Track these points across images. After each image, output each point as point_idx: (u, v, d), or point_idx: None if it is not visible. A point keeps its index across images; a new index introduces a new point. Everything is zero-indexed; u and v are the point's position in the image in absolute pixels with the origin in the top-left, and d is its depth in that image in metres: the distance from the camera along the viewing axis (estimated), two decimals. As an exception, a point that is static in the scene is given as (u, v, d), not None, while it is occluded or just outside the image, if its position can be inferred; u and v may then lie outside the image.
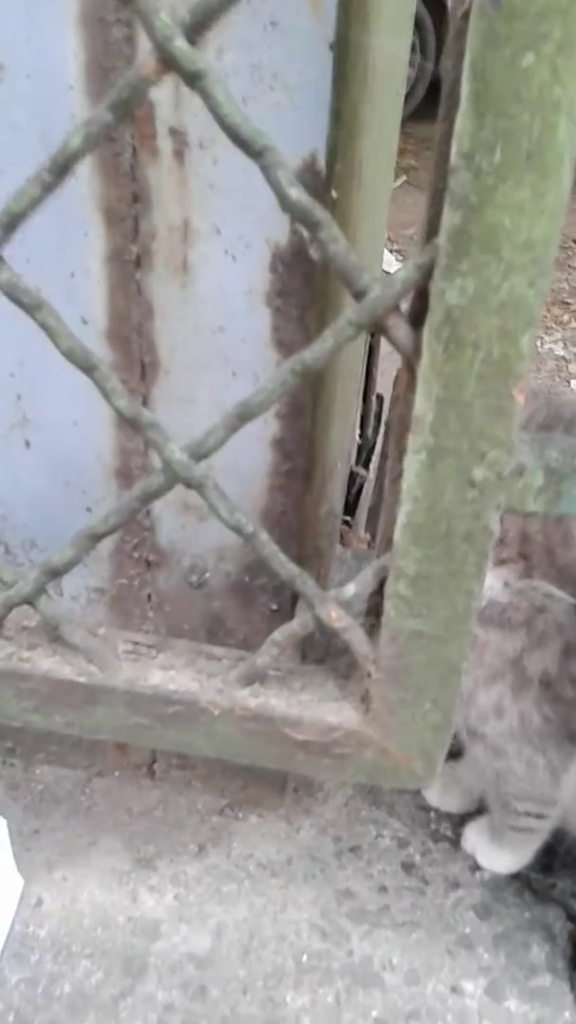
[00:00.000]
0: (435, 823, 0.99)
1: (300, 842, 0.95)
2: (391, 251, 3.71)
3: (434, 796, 1.00)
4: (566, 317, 3.58)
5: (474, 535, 0.62)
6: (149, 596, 0.88)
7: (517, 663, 0.82)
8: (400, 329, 0.57)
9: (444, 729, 0.70)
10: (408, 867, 0.93)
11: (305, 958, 0.84)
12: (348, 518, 1.48)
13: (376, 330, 0.56)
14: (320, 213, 0.52)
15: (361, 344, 0.89)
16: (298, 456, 0.78)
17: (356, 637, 0.67)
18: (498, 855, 0.93)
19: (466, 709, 0.86)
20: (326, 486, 0.87)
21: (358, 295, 0.54)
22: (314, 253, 0.56)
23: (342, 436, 0.93)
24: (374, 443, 1.63)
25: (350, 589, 0.66)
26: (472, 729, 0.86)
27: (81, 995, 0.79)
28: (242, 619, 0.88)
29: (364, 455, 1.63)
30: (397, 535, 0.62)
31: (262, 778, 0.97)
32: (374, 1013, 0.80)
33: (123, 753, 0.98)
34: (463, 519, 0.61)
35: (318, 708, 0.70)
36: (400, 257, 3.85)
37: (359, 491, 1.55)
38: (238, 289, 0.70)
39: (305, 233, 0.53)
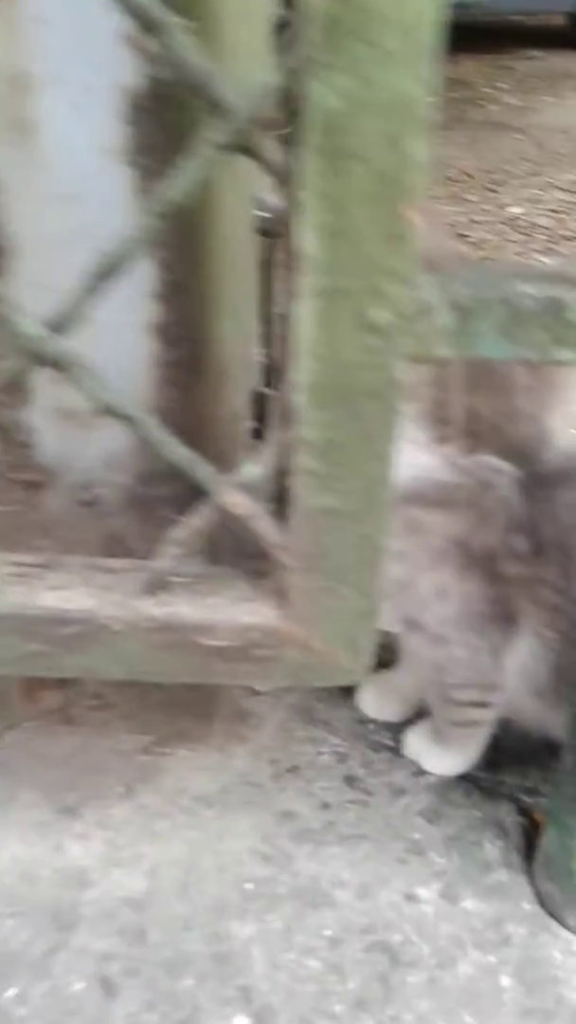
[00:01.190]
0: (375, 734, 0.94)
1: (235, 770, 0.89)
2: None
3: (371, 707, 0.96)
4: (465, 249, 3.54)
5: (381, 390, 0.55)
6: (38, 522, 0.80)
7: (462, 543, 0.77)
8: (270, 147, 0.49)
9: (370, 615, 0.64)
10: (350, 780, 0.89)
11: (249, 886, 0.78)
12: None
13: (243, 151, 0.49)
14: (159, 11, 0.44)
15: (249, 227, 0.81)
16: (184, 344, 0.70)
17: (264, 524, 0.60)
18: (443, 756, 0.89)
19: (404, 599, 0.80)
20: (222, 384, 0.79)
21: (216, 110, 0.47)
22: (163, 71, 0.48)
23: (237, 333, 0.85)
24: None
25: (252, 470, 0.59)
26: (411, 619, 0.82)
27: (8, 955, 0.72)
28: (144, 536, 0.81)
29: (270, 377, 1.56)
30: (297, 399, 0.55)
31: (188, 709, 0.91)
32: (327, 932, 0.75)
33: (32, 700, 0.90)
34: (367, 372, 0.54)
35: (231, 610, 0.63)
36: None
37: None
38: (87, 146, 0.61)
39: (153, 48, 0.45)
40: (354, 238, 0.49)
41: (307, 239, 0.48)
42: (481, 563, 0.78)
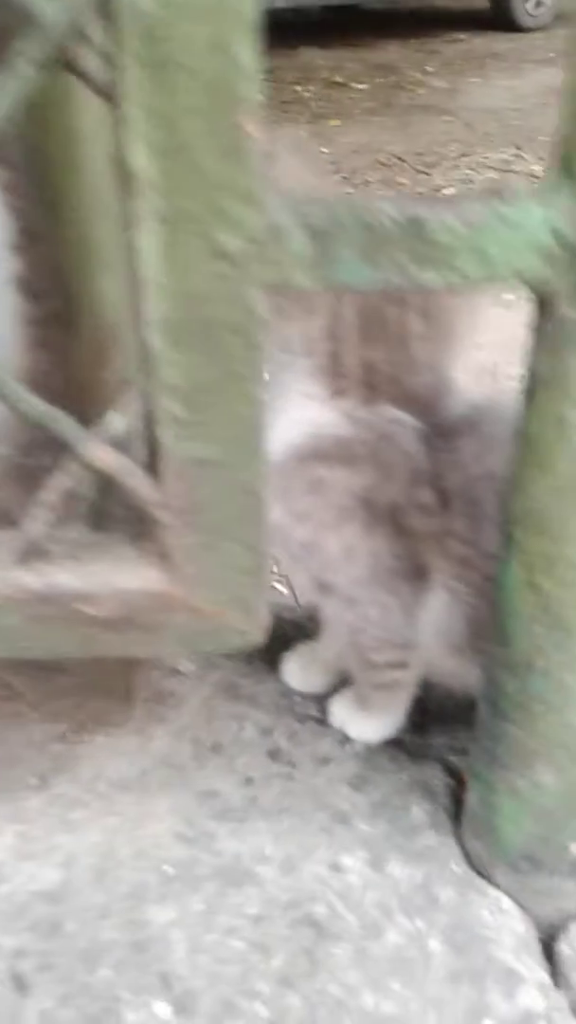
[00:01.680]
0: (300, 707, 0.91)
1: (154, 752, 0.85)
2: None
3: (296, 678, 0.93)
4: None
5: (240, 324, 0.52)
6: None
7: (366, 499, 0.75)
8: (90, 60, 0.46)
9: (258, 571, 0.61)
10: (274, 754, 0.86)
11: (169, 869, 0.75)
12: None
13: (63, 66, 0.45)
14: None
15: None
16: (52, 298, 0.67)
17: (136, 479, 0.57)
18: (367, 722, 0.87)
19: (312, 561, 0.78)
20: (105, 347, 0.76)
21: (30, 23, 0.43)
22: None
23: (118, 294, 0.82)
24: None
25: (116, 421, 0.55)
26: (321, 581, 0.79)
27: None
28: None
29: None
30: (152, 339, 0.52)
31: (102, 692, 0.87)
32: (250, 911, 0.72)
33: None
34: (222, 304, 0.51)
35: (113, 576, 0.60)
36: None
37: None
38: None
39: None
40: (189, 155, 0.45)
41: (138, 158, 0.45)
42: (387, 519, 0.76)
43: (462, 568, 0.76)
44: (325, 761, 0.85)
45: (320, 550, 0.77)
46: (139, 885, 0.74)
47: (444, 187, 3.95)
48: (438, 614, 0.78)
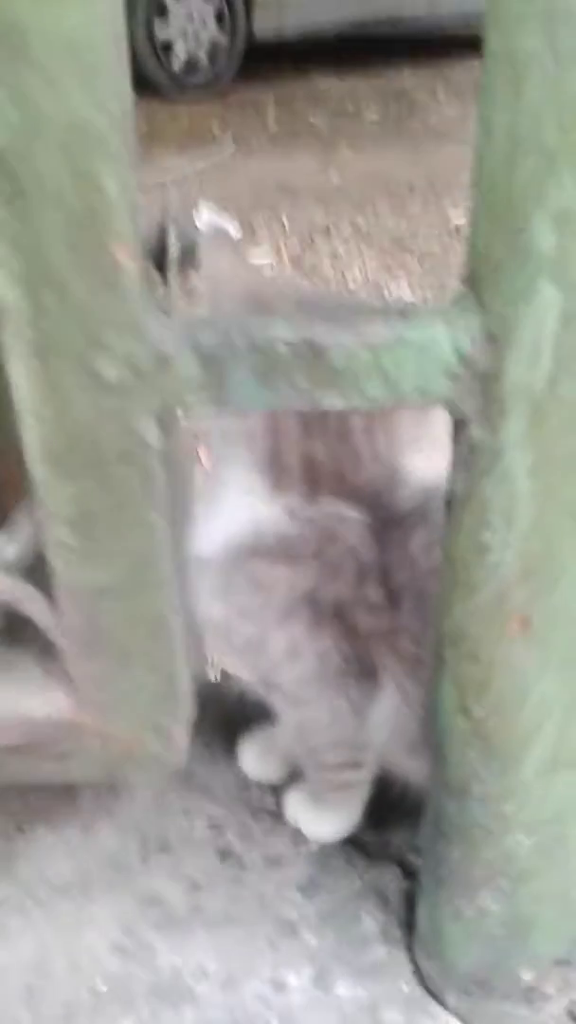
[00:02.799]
0: (256, 798, 0.87)
1: (99, 850, 0.82)
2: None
3: (251, 767, 0.89)
4: (411, 262, 3.51)
5: (130, 452, 0.49)
6: None
7: (311, 597, 0.71)
8: None
9: (172, 696, 0.57)
10: (224, 855, 0.82)
11: (102, 986, 0.71)
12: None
13: None
14: None
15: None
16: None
17: (31, 604, 0.54)
18: (321, 820, 0.83)
19: (256, 659, 0.74)
20: (13, 473, 0.72)
21: None
22: None
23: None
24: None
25: (7, 547, 0.53)
26: (266, 679, 0.76)
27: None
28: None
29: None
30: (35, 469, 0.49)
31: (46, 786, 0.84)
32: (185, 1035, 0.68)
33: None
34: (107, 434, 0.48)
35: (19, 701, 0.57)
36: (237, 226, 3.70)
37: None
38: None
39: None
40: (59, 286, 0.43)
41: (5, 290, 0.42)
42: (333, 617, 0.72)
43: (413, 666, 0.72)
44: (276, 863, 0.81)
45: (265, 649, 0.73)
46: (70, 1003, 0.70)
47: (454, 217, 3.92)
48: (390, 713, 0.74)
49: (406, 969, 0.72)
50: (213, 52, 5.14)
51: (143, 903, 0.78)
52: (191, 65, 5.11)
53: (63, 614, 0.52)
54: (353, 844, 0.82)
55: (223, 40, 5.13)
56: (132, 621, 0.52)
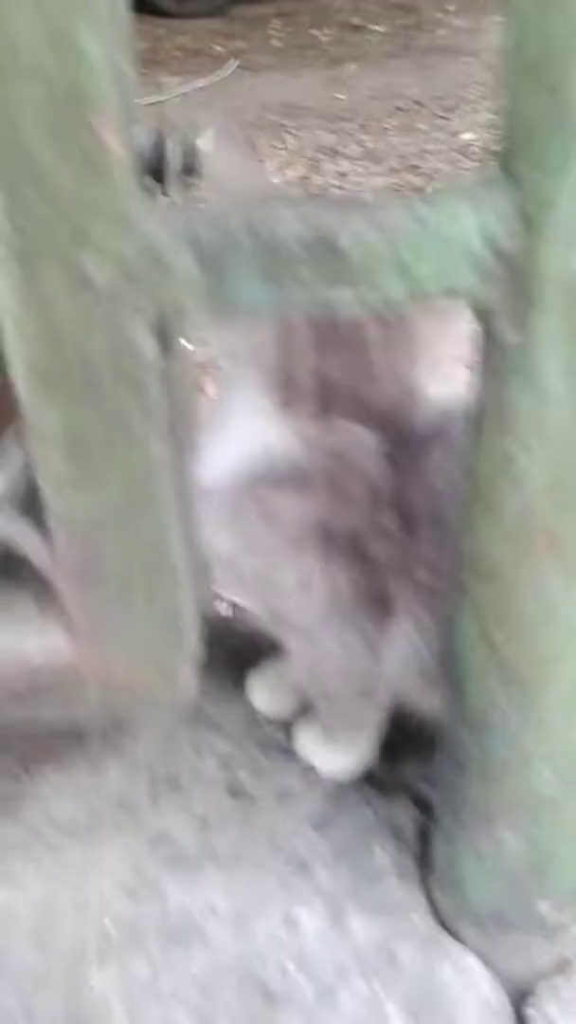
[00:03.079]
0: (267, 733, 0.85)
1: (107, 790, 0.80)
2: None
3: (262, 702, 0.86)
4: (418, 181, 3.39)
5: (125, 368, 0.44)
6: None
7: (323, 526, 0.67)
8: None
9: (177, 632, 0.53)
10: (235, 791, 0.80)
11: (111, 927, 0.70)
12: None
13: None
14: None
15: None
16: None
17: (23, 539, 0.50)
18: (334, 755, 0.80)
19: (265, 592, 0.71)
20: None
21: None
22: None
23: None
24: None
25: (-7, 476, 0.49)
26: (276, 614, 0.72)
27: None
28: None
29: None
30: (20, 387, 0.44)
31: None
32: (197, 975, 0.67)
33: None
34: (100, 346, 0.43)
35: (17, 643, 0.54)
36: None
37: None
38: None
39: None
40: (38, 174, 0.38)
41: (-28, 180, 0.37)
42: (346, 546, 0.68)
43: (429, 596, 0.68)
44: (288, 799, 0.79)
45: (275, 582, 0.70)
46: (78, 946, 0.69)
47: (463, 132, 3.77)
48: (403, 644, 0.71)
49: (420, 903, 0.70)
50: (215, -32, 4.92)
51: (152, 842, 0.76)
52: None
53: (58, 548, 0.48)
54: (366, 779, 0.80)
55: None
56: (131, 552, 0.49)
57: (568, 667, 0.51)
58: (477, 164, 3.30)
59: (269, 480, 0.68)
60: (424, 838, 0.74)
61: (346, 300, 0.42)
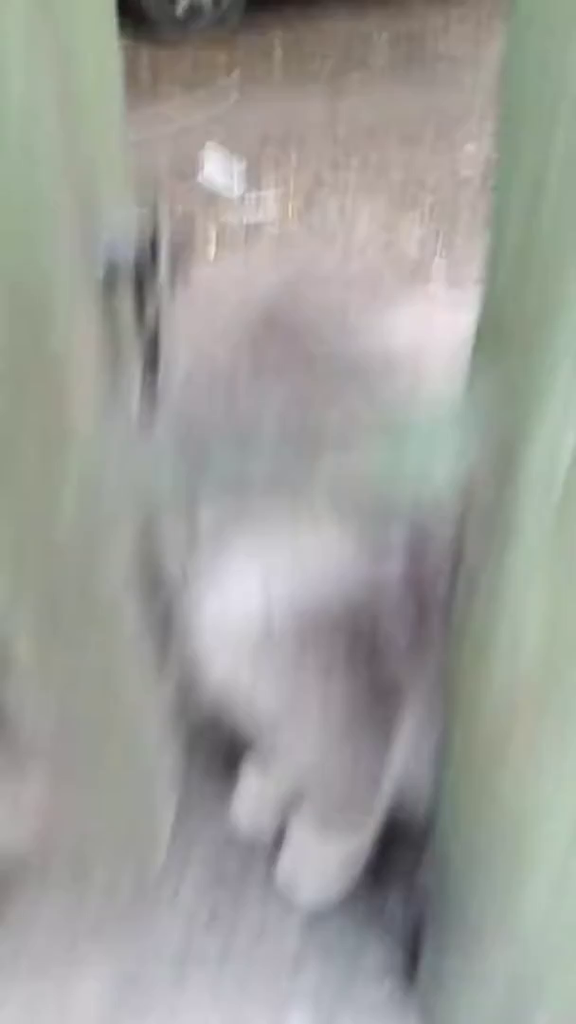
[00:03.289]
0: (247, 858, 0.84)
1: (83, 920, 0.78)
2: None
3: (244, 819, 0.86)
4: (421, 211, 3.43)
5: (95, 584, 0.45)
6: None
7: (347, 646, 0.67)
8: None
9: (149, 800, 0.55)
10: (211, 922, 0.79)
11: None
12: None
13: None
14: None
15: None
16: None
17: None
18: (318, 884, 0.80)
19: (281, 720, 0.70)
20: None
21: None
22: None
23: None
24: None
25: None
26: (290, 741, 0.72)
27: None
28: None
29: None
30: None
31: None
32: None
33: None
34: (71, 569, 0.44)
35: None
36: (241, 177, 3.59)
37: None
38: None
39: None
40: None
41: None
42: (365, 644, 0.66)
43: (437, 685, 0.64)
44: (266, 930, 0.79)
45: (295, 715, 0.68)
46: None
47: (463, 165, 3.80)
48: (410, 742, 0.70)
49: (412, 1004, 0.72)
50: (216, -4, 4.97)
51: (123, 980, 0.76)
52: (195, 9, 4.95)
53: (30, 726, 0.50)
54: (345, 910, 0.80)
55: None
56: (102, 737, 0.51)
57: (551, 862, 0.53)
58: (475, 196, 3.34)
59: (294, 633, 0.66)
60: (416, 935, 0.75)
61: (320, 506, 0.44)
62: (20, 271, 0.35)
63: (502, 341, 0.39)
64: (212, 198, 3.25)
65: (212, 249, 2.89)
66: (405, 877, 0.81)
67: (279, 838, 0.83)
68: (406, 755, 0.72)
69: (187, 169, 3.35)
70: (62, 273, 0.36)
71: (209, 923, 0.80)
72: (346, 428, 0.42)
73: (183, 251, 0.72)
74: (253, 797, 0.86)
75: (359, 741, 0.70)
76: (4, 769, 0.55)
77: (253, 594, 0.64)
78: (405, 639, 0.66)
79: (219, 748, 0.86)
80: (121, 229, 0.63)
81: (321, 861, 0.81)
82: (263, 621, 0.65)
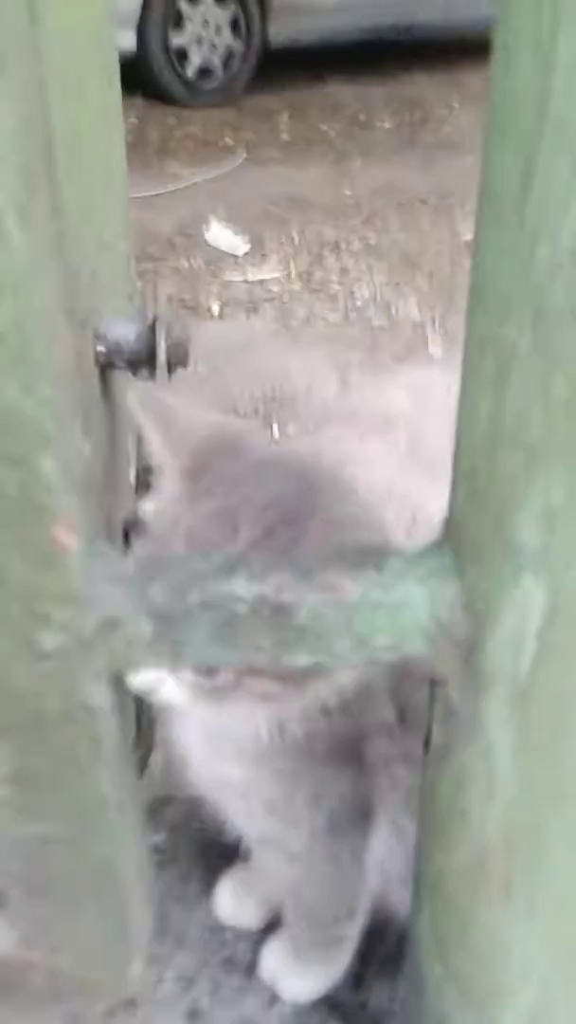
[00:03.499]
0: (231, 947, 0.83)
1: (57, 1012, 0.77)
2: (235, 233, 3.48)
3: (226, 911, 0.84)
4: (420, 279, 3.46)
5: (74, 715, 0.45)
6: None
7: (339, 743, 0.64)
8: None
9: (124, 938, 0.53)
10: (193, 1016, 0.78)
11: None
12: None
13: None
14: None
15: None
16: None
17: (-28, 849, 0.50)
18: (302, 979, 0.78)
19: (271, 818, 0.67)
20: None
21: None
22: None
23: None
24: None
25: None
26: (258, 836, 0.70)
27: None
28: None
29: None
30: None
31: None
32: None
33: None
34: (50, 698, 0.44)
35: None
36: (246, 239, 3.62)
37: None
38: None
39: None
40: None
41: None
42: (349, 753, 0.64)
43: (406, 795, 0.64)
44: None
45: (250, 798, 0.66)
46: None
47: (465, 231, 3.85)
48: (384, 850, 0.69)
49: None
50: (228, 59, 5.07)
51: None
52: (205, 72, 5.04)
53: (9, 861, 0.48)
54: (327, 1004, 0.78)
55: (238, 47, 5.06)
56: (80, 869, 0.48)
57: (525, 998, 0.50)
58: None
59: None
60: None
61: (299, 660, 0.42)
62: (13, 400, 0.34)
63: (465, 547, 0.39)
64: (217, 257, 3.28)
65: (216, 307, 2.91)
66: (390, 970, 0.77)
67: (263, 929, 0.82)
68: (378, 869, 0.70)
69: (193, 228, 3.40)
70: (61, 402, 0.35)
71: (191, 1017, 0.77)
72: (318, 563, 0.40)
73: (182, 351, 0.71)
74: (235, 889, 0.84)
75: (339, 846, 0.68)
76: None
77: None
78: (383, 747, 0.65)
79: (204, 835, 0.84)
80: (122, 333, 0.62)
81: (297, 983, 0.78)
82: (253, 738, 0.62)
